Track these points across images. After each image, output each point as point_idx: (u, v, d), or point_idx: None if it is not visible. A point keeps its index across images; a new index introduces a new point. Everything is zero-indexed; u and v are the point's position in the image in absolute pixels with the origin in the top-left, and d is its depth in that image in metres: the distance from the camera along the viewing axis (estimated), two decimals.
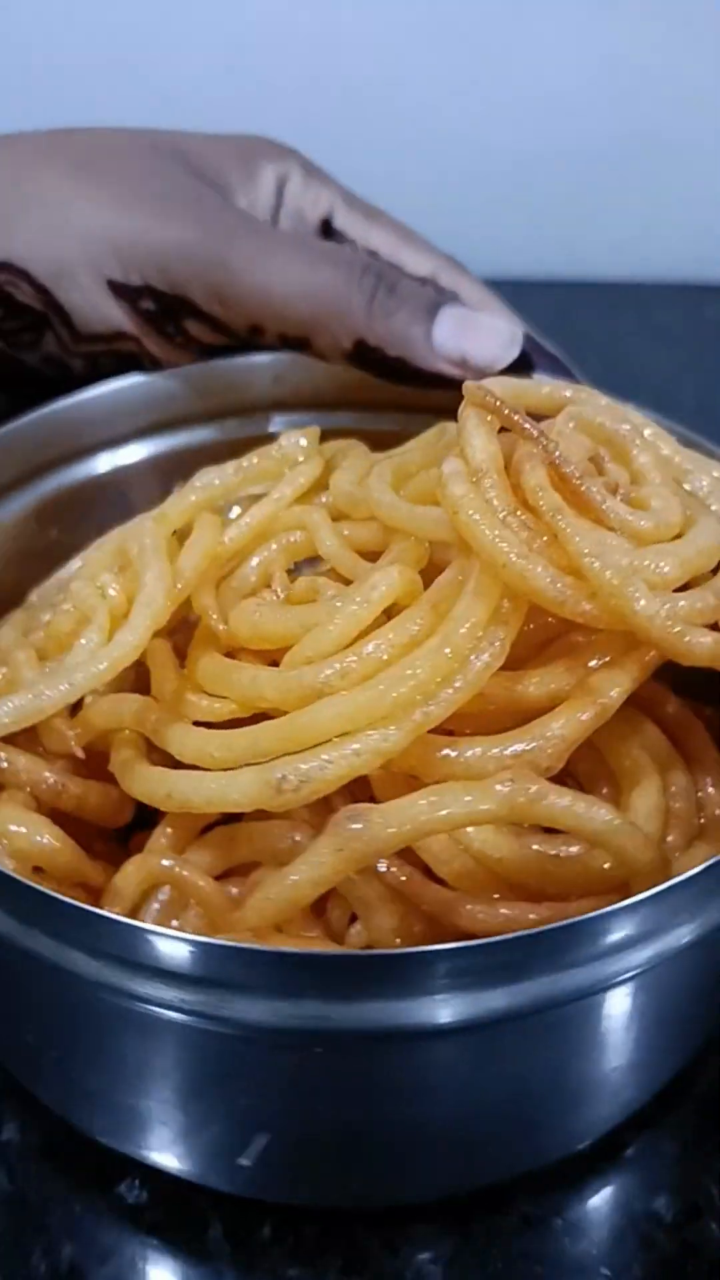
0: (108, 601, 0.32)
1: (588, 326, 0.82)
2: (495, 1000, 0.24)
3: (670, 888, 0.25)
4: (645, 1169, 0.33)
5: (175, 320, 0.42)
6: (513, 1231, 0.32)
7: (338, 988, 0.24)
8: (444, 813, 0.25)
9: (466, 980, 0.24)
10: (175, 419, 0.44)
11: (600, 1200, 0.33)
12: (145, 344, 0.43)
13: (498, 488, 0.28)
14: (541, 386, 0.33)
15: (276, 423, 0.45)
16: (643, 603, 0.26)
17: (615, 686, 0.28)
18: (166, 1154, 0.31)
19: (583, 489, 0.27)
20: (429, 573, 0.29)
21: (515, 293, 0.87)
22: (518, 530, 0.27)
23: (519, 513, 0.27)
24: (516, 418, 0.29)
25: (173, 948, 0.24)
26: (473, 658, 0.26)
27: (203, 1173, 0.31)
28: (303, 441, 0.37)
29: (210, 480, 0.36)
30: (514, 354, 0.38)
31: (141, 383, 0.43)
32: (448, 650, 0.26)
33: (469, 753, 0.27)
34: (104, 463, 0.43)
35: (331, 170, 0.87)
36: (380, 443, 0.42)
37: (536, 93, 0.83)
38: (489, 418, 0.29)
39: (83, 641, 0.31)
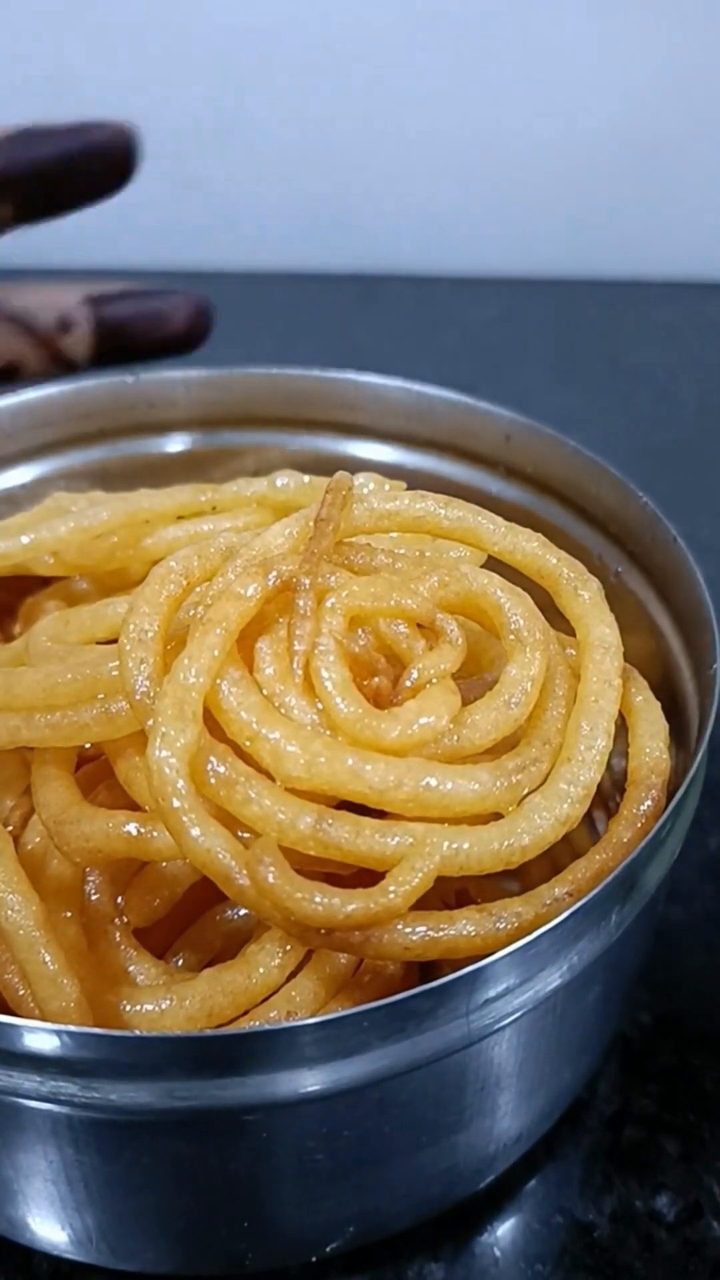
0: None
1: (589, 325, 0.82)
2: (357, 1067, 0.25)
3: (528, 944, 0.25)
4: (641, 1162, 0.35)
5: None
6: (514, 1230, 0.33)
7: (197, 1067, 0.24)
8: None
9: (334, 1048, 0.24)
10: (67, 439, 0.44)
11: (610, 1201, 0.34)
12: None
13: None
14: (416, 505, 0.31)
15: (177, 442, 0.45)
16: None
17: None
18: (50, 1239, 0.31)
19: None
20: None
21: (517, 291, 0.87)
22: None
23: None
24: (318, 536, 0.29)
25: (24, 1036, 0.24)
26: None
27: (93, 1254, 0.31)
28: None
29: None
30: None
31: (30, 400, 0.43)
32: None
33: None
34: None
35: (333, 170, 0.88)
36: (301, 461, 0.42)
37: (538, 92, 0.81)
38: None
39: None
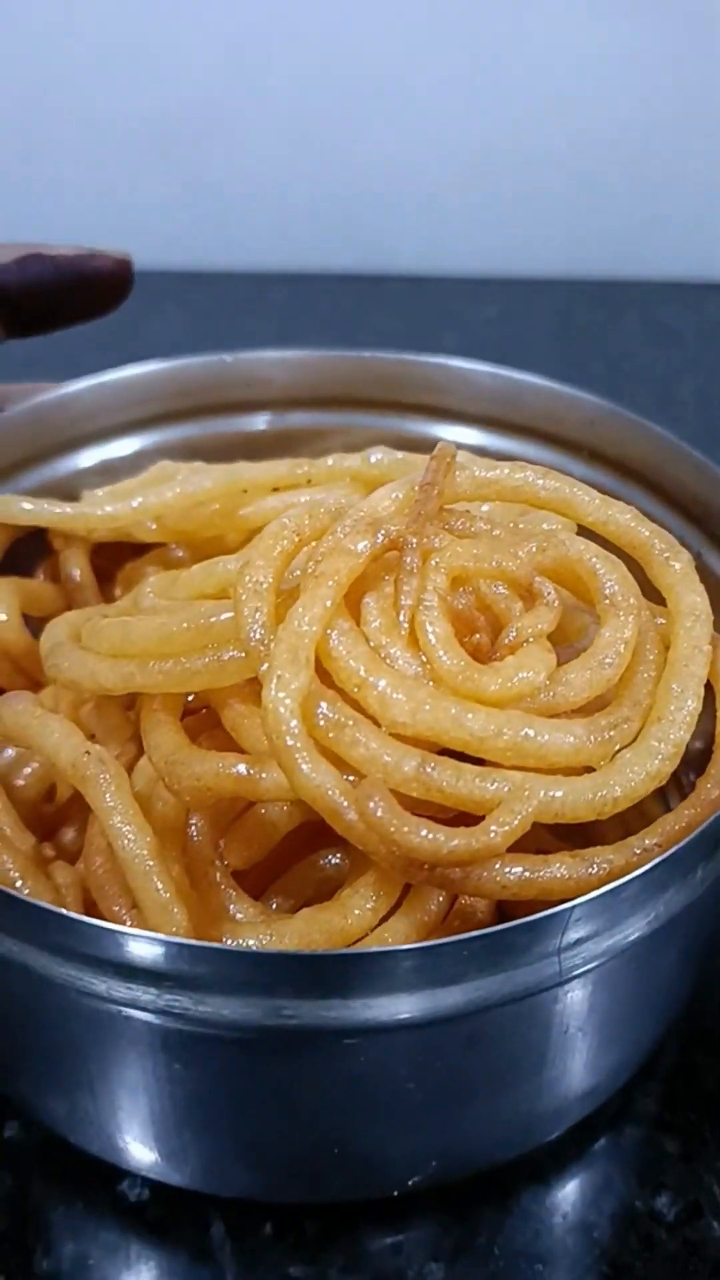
0: None
1: (590, 325, 0.82)
2: (453, 996, 0.26)
3: (618, 887, 0.26)
4: (641, 1162, 0.35)
5: None
6: (514, 1230, 0.33)
7: (305, 986, 0.25)
8: None
9: (434, 975, 0.26)
10: (163, 414, 0.46)
11: (607, 1197, 0.34)
12: None
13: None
14: (515, 475, 0.32)
15: (269, 420, 0.47)
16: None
17: None
18: (137, 1155, 0.32)
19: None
20: None
21: (517, 292, 0.88)
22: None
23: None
24: (424, 499, 0.30)
25: (144, 948, 0.26)
26: None
27: (183, 1176, 0.32)
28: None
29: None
30: None
31: (131, 377, 0.45)
32: None
33: None
34: (89, 457, 0.45)
35: (332, 169, 0.87)
36: (387, 442, 0.43)
37: (538, 91, 0.82)
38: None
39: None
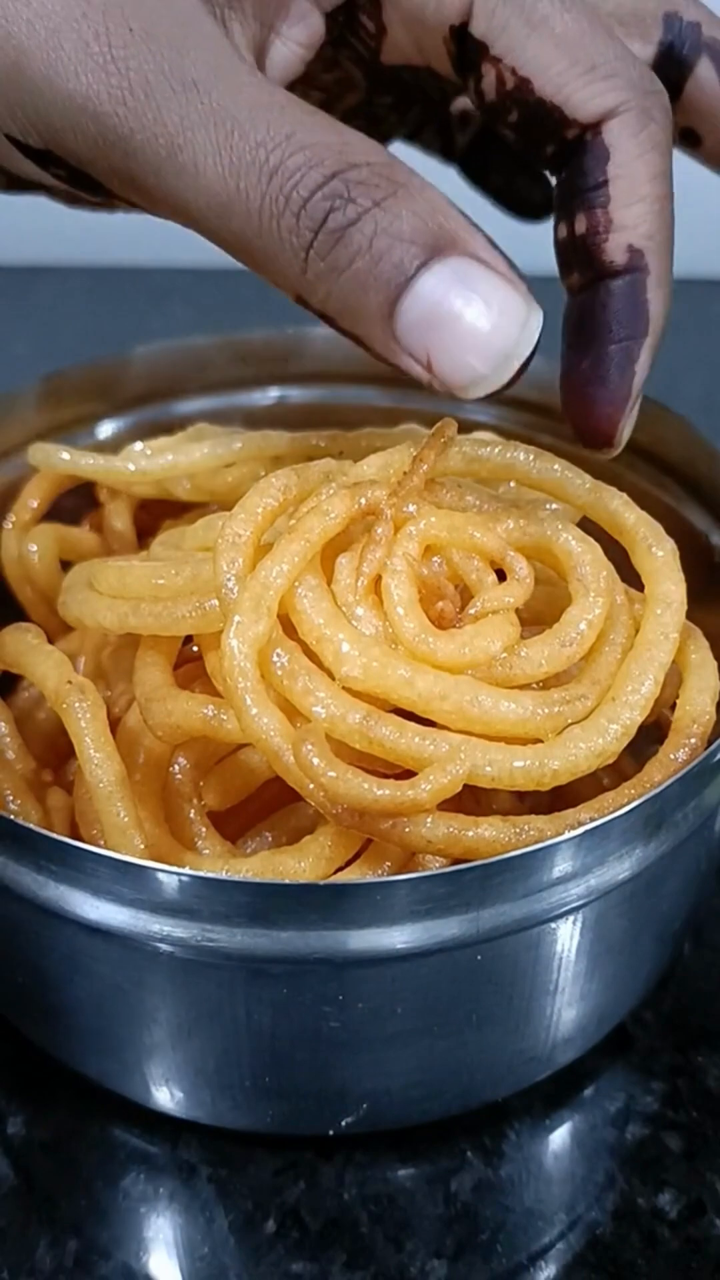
0: None
1: None
2: (450, 928, 0.28)
3: (608, 822, 0.28)
4: (643, 1160, 0.36)
5: (99, 190, 0.30)
6: (517, 1227, 0.34)
7: (308, 915, 0.27)
8: None
9: (423, 908, 0.27)
10: (179, 388, 0.48)
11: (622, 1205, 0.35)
12: (78, 202, 0.33)
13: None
14: (506, 454, 0.33)
15: (289, 395, 0.49)
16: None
17: None
18: (148, 1086, 0.34)
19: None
20: None
21: None
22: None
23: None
24: (412, 472, 0.31)
25: (156, 880, 0.27)
26: None
27: (185, 1107, 0.34)
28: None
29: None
30: (500, 378, 0.26)
31: (149, 352, 0.47)
32: None
33: None
34: (106, 429, 0.47)
35: None
36: (394, 419, 0.45)
37: None
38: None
39: None
